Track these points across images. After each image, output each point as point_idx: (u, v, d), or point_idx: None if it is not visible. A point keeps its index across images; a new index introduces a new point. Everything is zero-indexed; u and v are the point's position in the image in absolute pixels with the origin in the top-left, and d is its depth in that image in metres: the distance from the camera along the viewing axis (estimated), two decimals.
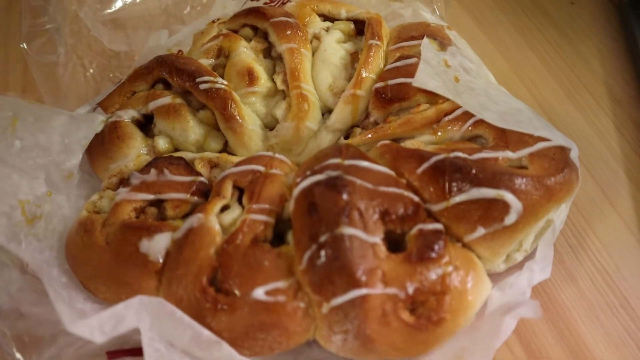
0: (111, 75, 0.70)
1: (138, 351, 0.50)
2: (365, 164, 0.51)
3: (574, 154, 0.54)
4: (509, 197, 0.49)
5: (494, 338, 0.45)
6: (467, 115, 0.57)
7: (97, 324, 0.40)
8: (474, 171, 0.50)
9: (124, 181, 0.58)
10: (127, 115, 0.61)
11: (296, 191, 0.49)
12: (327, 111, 0.65)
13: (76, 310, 0.45)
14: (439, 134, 0.59)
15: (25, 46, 0.61)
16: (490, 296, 0.50)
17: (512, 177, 0.50)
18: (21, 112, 0.51)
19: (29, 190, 0.52)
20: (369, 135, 0.61)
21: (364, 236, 0.46)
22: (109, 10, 0.64)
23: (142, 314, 0.43)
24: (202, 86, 0.60)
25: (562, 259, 0.61)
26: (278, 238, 0.51)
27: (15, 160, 0.50)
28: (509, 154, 0.53)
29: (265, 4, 0.71)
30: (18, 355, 0.47)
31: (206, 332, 0.44)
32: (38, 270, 0.45)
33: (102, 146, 0.60)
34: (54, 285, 0.45)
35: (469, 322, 0.48)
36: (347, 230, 0.45)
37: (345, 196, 0.46)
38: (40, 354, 0.49)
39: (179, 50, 0.67)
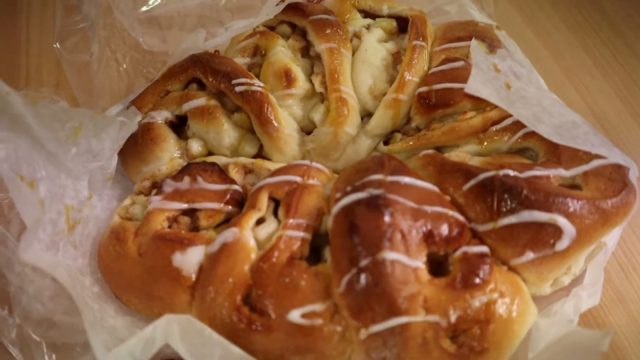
0: (145, 70, 0.69)
1: None
2: (408, 180, 0.48)
3: (632, 174, 0.50)
4: (562, 221, 0.46)
5: None
6: (517, 125, 0.54)
7: (127, 352, 0.39)
8: (525, 192, 0.47)
9: (156, 185, 0.57)
10: (161, 116, 0.60)
11: (336, 209, 0.47)
12: (366, 115, 0.63)
13: (107, 328, 0.45)
14: (485, 144, 0.56)
15: (58, 46, 0.59)
16: (536, 324, 0.48)
17: (565, 200, 0.46)
18: (85, 122, 0.52)
19: (74, 194, 0.52)
20: (411, 143, 0.58)
21: (406, 260, 0.43)
22: (144, 8, 0.62)
23: (171, 332, 0.42)
24: (238, 88, 0.58)
25: (611, 279, 0.57)
26: (315, 252, 0.49)
27: (68, 164, 0.50)
28: (562, 171, 0.50)
29: None
30: None
31: (236, 350, 0.43)
32: (72, 286, 0.44)
33: (134, 148, 0.58)
34: (86, 299, 0.44)
35: (512, 351, 0.46)
36: (389, 255, 0.43)
37: (387, 218, 0.44)
38: None
39: (216, 50, 0.64)
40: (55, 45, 0.59)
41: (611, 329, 0.38)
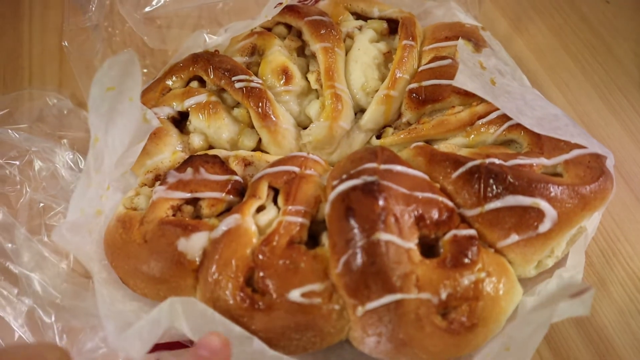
0: (145, 70, 0.71)
1: (173, 345, 0.52)
2: (400, 168, 0.51)
3: (609, 162, 0.54)
4: (544, 205, 0.49)
5: (539, 331, 0.44)
6: (502, 118, 0.57)
7: (136, 334, 0.41)
8: (509, 178, 0.50)
9: (159, 177, 0.59)
10: (163, 112, 0.62)
11: (332, 195, 0.49)
12: (359, 110, 0.66)
13: (116, 313, 0.47)
14: (472, 136, 0.59)
15: (67, 44, 0.62)
16: (522, 302, 0.51)
17: (547, 185, 0.50)
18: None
19: (105, 184, 0.54)
20: (402, 136, 0.61)
21: (400, 242, 0.46)
22: (148, 9, 0.65)
23: (175, 313, 0.44)
24: (238, 85, 0.61)
25: (593, 263, 0.61)
26: (312, 238, 0.52)
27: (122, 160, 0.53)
28: (543, 160, 0.53)
29: (300, 1, 0.71)
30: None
31: (237, 328, 0.45)
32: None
33: None
34: (97, 284, 0.46)
35: (500, 327, 0.49)
36: (383, 236, 0.46)
37: (381, 202, 0.47)
38: (82, 345, 0.50)
39: (215, 50, 0.67)
40: (63, 44, 0.61)
41: (590, 288, 0.40)
